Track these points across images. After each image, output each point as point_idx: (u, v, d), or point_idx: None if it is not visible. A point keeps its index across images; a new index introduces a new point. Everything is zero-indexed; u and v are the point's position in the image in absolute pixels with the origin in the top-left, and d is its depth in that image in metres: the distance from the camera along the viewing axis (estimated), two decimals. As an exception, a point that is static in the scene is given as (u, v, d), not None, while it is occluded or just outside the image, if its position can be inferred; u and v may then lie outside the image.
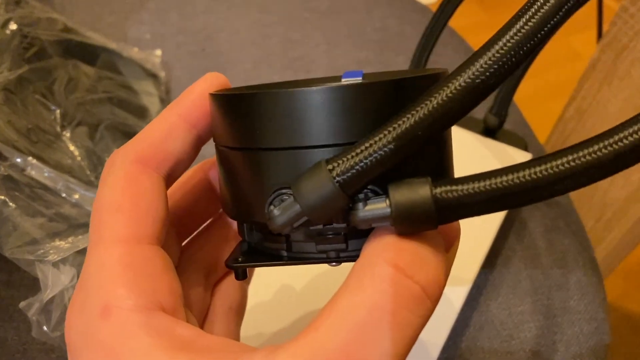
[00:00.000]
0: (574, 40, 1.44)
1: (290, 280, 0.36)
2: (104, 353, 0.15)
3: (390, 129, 0.15)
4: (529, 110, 0.55)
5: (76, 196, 0.36)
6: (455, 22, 0.41)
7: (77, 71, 0.42)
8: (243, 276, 0.21)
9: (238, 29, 0.57)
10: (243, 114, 0.17)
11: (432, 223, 0.15)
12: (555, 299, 0.39)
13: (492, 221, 0.40)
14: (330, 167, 0.15)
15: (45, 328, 0.32)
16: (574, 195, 0.47)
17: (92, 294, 0.16)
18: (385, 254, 0.15)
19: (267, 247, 0.20)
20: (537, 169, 0.14)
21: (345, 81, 0.18)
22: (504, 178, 0.14)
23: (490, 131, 0.46)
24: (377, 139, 0.15)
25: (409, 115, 0.15)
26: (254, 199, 0.18)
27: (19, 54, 0.38)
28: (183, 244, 0.23)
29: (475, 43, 0.61)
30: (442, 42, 0.42)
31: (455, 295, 0.36)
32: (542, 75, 1.23)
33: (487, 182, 0.14)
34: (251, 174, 0.18)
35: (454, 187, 0.15)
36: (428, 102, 0.15)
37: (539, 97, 1.15)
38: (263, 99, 0.17)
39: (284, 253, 0.19)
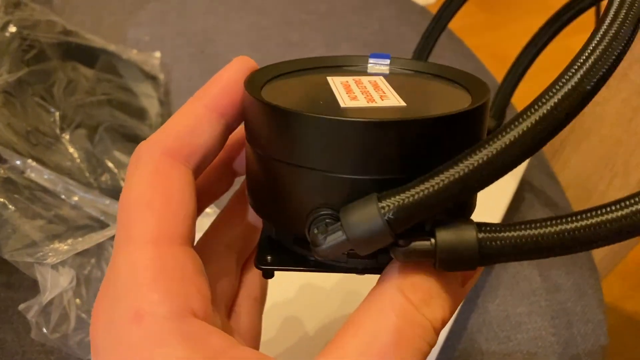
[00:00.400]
0: (572, 41, 1.44)
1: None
2: (133, 358, 0.15)
3: (448, 175, 0.15)
4: (527, 112, 0.55)
5: (75, 198, 0.36)
6: (454, 22, 0.41)
7: (77, 73, 0.42)
8: (271, 276, 0.21)
9: (237, 31, 0.58)
10: (293, 130, 0.17)
11: (473, 266, 0.16)
12: (553, 301, 0.39)
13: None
14: (382, 205, 0.15)
15: (44, 330, 0.32)
16: (571, 197, 0.48)
17: (122, 297, 0.16)
18: (403, 287, 0.16)
19: (295, 249, 0.20)
20: (578, 224, 0.14)
21: (395, 112, 0.18)
22: (546, 230, 0.15)
23: (488, 133, 0.46)
24: (433, 183, 0.15)
25: (468, 165, 0.15)
26: (291, 210, 0.18)
27: (18, 56, 0.39)
28: (209, 226, 0.23)
29: (474, 44, 0.61)
30: (441, 43, 0.42)
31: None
32: (541, 76, 1.24)
33: (530, 232, 0.15)
34: (291, 188, 0.18)
35: (498, 235, 0.15)
36: (486, 154, 0.15)
37: (538, 98, 1.15)
38: (317, 123, 0.16)
39: (311, 258, 0.20)
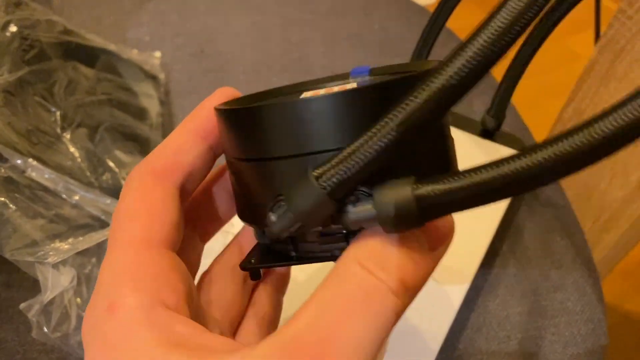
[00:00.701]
0: (572, 41, 1.44)
1: (296, 275, 0.36)
2: (106, 346, 0.17)
3: (371, 133, 0.15)
4: (526, 112, 0.55)
5: (76, 197, 0.36)
6: (454, 23, 0.41)
7: (77, 73, 0.43)
8: (257, 277, 0.22)
9: (237, 30, 0.58)
10: (240, 127, 0.18)
11: (416, 222, 0.15)
12: (553, 300, 0.40)
13: (490, 222, 0.40)
14: (316, 174, 0.16)
15: (45, 329, 0.32)
16: (571, 196, 0.48)
17: (101, 292, 0.18)
18: (357, 255, 0.17)
19: (278, 248, 0.21)
20: (518, 163, 0.14)
21: (335, 87, 0.19)
22: (485, 175, 0.14)
23: (488, 133, 0.46)
24: (359, 144, 0.15)
25: (387, 120, 0.15)
26: (259, 205, 0.19)
27: (18, 56, 0.39)
28: (221, 252, 0.24)
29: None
30: (441, 43, 0.42)
31: (453, 296, 0.36)
32: (540, 76, 1.23)
33: (469, 179, 0.14)
34: (255, 182, 0.19)
35: (435, 187, 0.15)
36: (404, 106, 0.14)
37: (537, 98, 1.15)
38: (255, 112, 0.18)
39: (293, 253, 0.20)
